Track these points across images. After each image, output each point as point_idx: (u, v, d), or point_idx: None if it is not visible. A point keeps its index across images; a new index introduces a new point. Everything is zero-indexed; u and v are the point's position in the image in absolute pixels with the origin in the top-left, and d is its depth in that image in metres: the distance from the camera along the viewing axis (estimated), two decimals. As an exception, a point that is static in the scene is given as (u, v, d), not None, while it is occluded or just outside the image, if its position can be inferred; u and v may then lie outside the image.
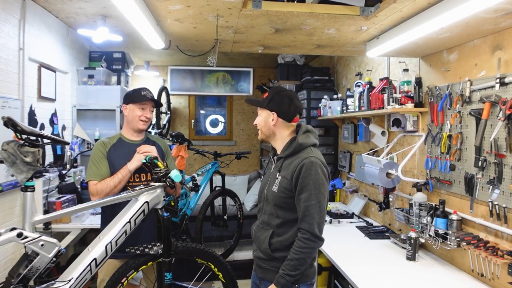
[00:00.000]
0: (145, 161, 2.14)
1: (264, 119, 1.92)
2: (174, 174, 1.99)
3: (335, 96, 4.15)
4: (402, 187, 3.07)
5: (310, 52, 3.11)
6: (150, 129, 5.07)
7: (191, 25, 2.36)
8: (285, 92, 1.94)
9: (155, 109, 2.45)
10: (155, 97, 2.52)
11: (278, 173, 1.88)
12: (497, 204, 2.03)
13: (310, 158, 1.80)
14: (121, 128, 3.77)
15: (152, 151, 2.24)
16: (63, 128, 3.56)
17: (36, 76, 3.01)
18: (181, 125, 6.37)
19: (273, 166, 1.97)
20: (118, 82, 4.27)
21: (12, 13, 2.59)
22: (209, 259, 2.19)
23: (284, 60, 5.24)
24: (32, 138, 1.77)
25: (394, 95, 2.77)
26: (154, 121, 5.25)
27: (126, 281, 2.01)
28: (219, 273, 2.22)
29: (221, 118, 6.57)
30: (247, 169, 6.42)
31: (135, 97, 2.33)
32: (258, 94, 5.91)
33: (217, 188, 4.17)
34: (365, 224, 3.38)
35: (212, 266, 2.21)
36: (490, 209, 2.07)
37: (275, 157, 1.98)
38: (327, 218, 3.45)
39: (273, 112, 1.89)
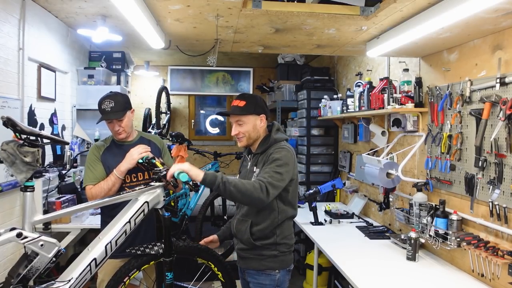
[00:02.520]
0: (141, 161, 2.12)
1: (253, 124, 2.06)
2: (181, 174, 1.96)
3: (335, 96, 4.15)
4: (402, 187, 3.07)
5: (310, 52, 3.10)
6: (150, 129, 5.07)
7: (191, 25, 2.36)
8: (258, 96, 2.16)
9: (131, 113, 2.26)
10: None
11: (255, 167, 2.05)
12: (497, 204, 2.03)
13: (282, 146, 2.03)
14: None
15: (148, 151, 2.18)
16: (63, 128, 3.55)
17: (36, 76, 3.01)
18: (181, 125, 6.37)
19: (249, 163, 2.14)
20: (118, 82, 4.27)
21: (12, 13, 2.59)
22: (209, 258, 2.20)
23: (284, 60, 5.24)
24: (32, 138, 1.77)
25: (394, 95, 2.76)
26: (154, 121, 5.26)
27: (128, 280, 2.01)
28: (219, 273, 2.23)
29: (221, 118, 6.56)
30: (247, 169, 6.41)
31: (99, 109, 2.19)
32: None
33: (217, 188, 4.16)
34: (365, 224, 3.38)
35: (212, 266, 2.21)
36: (490, 209, 2.07)
37: (249, 155, 2.15)
38: (327, 218, 3.45)
39: (261, 116, 2.06)
